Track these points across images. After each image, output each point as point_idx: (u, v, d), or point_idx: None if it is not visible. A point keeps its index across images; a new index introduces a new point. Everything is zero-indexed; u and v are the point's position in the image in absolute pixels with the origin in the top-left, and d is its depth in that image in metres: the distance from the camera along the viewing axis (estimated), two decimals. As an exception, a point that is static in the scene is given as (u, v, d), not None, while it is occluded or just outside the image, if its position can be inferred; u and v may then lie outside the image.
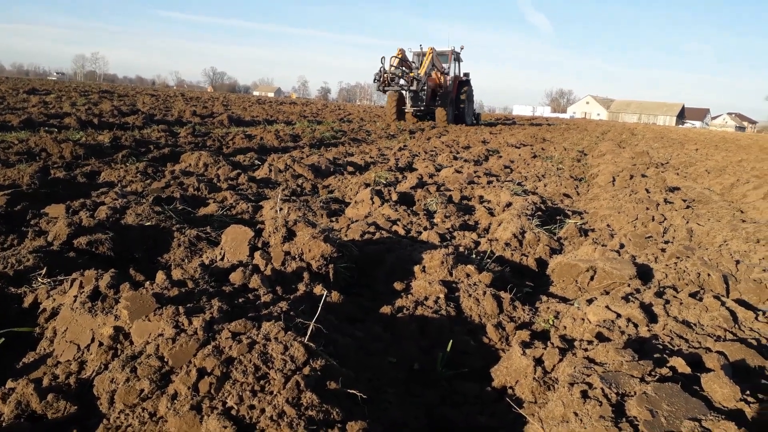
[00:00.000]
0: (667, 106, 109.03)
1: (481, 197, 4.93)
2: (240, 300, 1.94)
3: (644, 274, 2.86)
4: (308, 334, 1.62)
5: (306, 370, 1.45)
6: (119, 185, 4.56)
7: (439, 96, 21.52)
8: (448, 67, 22.89)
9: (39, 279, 2.26)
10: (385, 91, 19.93)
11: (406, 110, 20.87)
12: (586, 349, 1.88)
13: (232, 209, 3.97)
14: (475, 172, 6.31)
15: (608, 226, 4.21)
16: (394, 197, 4.28)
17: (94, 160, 5.83)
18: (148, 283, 1.96)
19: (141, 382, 1.39)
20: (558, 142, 14.40)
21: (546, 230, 3.78)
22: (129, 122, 10.82)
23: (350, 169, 6.50)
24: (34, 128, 8.44)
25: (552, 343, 2.04)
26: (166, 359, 1.46)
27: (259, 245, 2.41)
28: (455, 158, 8.08)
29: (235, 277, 2.11)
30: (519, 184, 5.92)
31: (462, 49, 23.86)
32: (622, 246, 3.50)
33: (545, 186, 6.05)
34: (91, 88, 30.82)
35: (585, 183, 6.76)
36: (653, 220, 4.20)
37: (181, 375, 1.40)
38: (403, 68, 19.44)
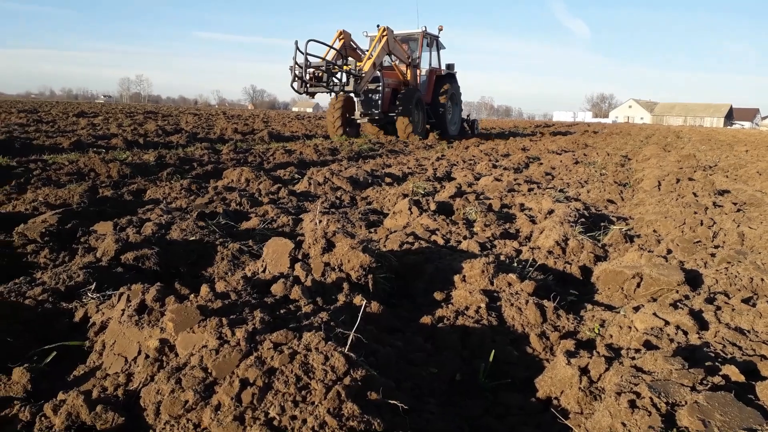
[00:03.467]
0: (713, 108, 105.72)
1: (521, 205, 4.87)
2: (281, 311, 1.96)
3: (693, 279, 2.76)
4: (348, 344, 1.62)
5: (347, 381, 1.45)
6: (164, 202, 4.69)
7: (400, 97, 14.77)
8: (418, 57, 16.15)
9: (89, 294, 2.33)
10: (309, 94, 13.18)
11: (357, 119, 15.05)
12: (633, 358, 1.82)
13: (273, 223, 4.03)
14: (515, 179, 6.24)
15: (654, 231, 4.09)
16: (433, 207, 4.26)
17: (140, 179, 6.01)
18: (192, 295, 2.00)
19: (186, 393, 1.42)
20: (600, 147, 14.11)
21: (590, 237, 3.70)
22: (173, 141, 11.14)
23: (388, 180, 6.52)
24: (83, 149, 8.78)
25: (598, 352, 1.98)
26: (209, 370, 1.49)
27: (300, 257, 2.44)
28: (494, 166, 8.00)
29: (277, 289, 2.13)
30: (561, 190, 5.82)
31: (441, 30, 17.23)
32: (669, 252, 3.39)
33: (588, 192, 5.93)
34: (137, 109, 31.91)
35: (630, 188, 6.59)
36: (702, 224, 4.06)
37: (225, 386, 1.42)
38: (331, 61, 12.86)
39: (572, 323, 2.35)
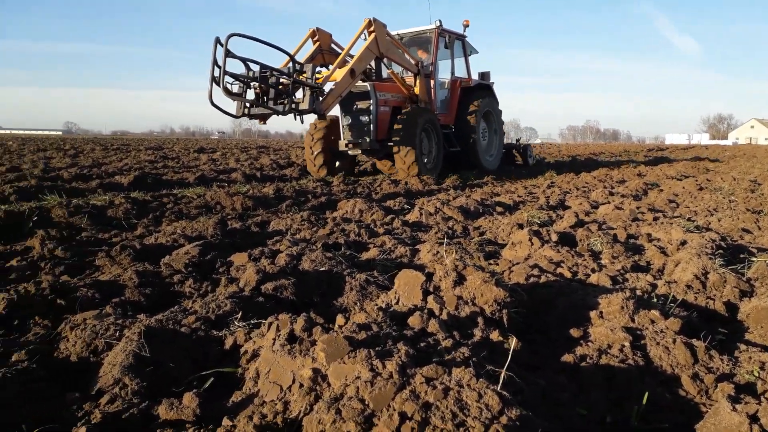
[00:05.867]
0: None
1: (649, 235, 4.62)
2: (421, 344, 1.98)
3: None
4: (500, 382, 1.60)
5: (503, 420, 1.43)
6: (288, 233, 4.91)
7: (400, 119, 10.35)
8: (431, 63, 11.59)
9: (236, 322, 2.48)
10: (254, 118, 8.79)
11: (345, 149, 10.58)
12: (813, 408, 1.66)
13: (391, 253, 4.10)
14: (637, 208, 5.95)
15: (806, 264, 3.72)
16: (554, 238, 4.15)
17: (262, 211, 6.35)
18: (336, 326, 2.08)
19: (346, 424, 1.47)
20: (724, 171, 13.15)
21: (731, 270, 3.44)
22: (287, 174, 11.69)
23: (499, 209, 6.45)
24: (207, 183, 9.43)
25: (766, 398, 1.82)
26: (366, 402, 1.53)
27: (431, 289, 2.46)
28: (611, 194, 7.69)
29: (414, 321, 2.16)
30: (689, 219, 5.48)
31: (467, 27, 12.80)
32: (829, 287, 3.07)
33: (719, 221, 5.53)
34: (249, 144, 33.86)
35: (766, 216, 6.07)
36: None
37: (384, 419, 1.45)
38: (274, 69, 8.13)
39: (727, 365, 2.18)
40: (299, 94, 8.55)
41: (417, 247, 4.22)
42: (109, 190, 7.85)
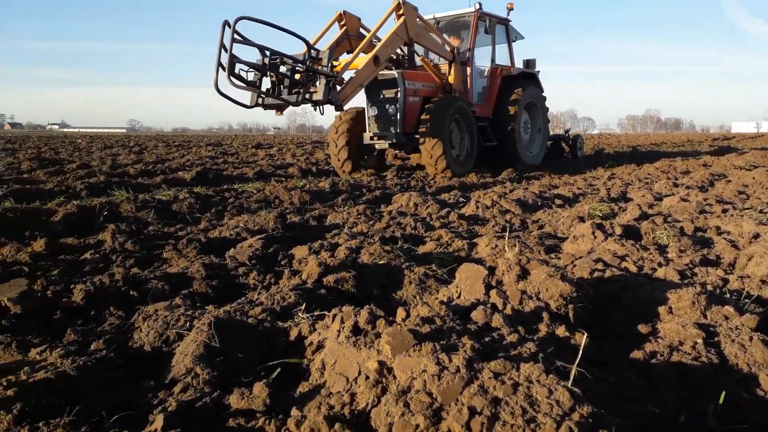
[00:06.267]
0: None
1: (717, 228, 4.43)
2: (486, 339, 1.97)
3: None
4: (571, 378, 1.57)
5: (575, 417, 1.41)
6: (345, 227, 4.97)
7: (428, 108, 9.63)
8: (468, 49, 10.75)
9: (299, 314, 2.52)
10: (264, 107, 8.09)
11: (370, 143, 10.06)
12: None
13: (448, 247, 4.08)
14: (704, 199, 5.70)
15: None
16: (618, 231, 4.03)
17: (319, 205, 6.44)
18: (399, 319, 2.09)
19: (415, 417, 1.47)
20: (798, 160, 12.43)
21: (812, 265, 3.25)
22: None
23: (558, 201, 6.31)
24: (265, 178, 9.63)
25: None
26: (435, 396, 1.53)
27: (494, 284, 2.43)
28: (675, 185, 7.40)
29: (477, 316, 2.15)
30: (761, 211, 5.21)
31: (511, 10, 11.81)
32: None
33: (796, 213, 5.23)
34: (304, 139, 34.35)
35: None
36: None
37: (453, 413, 1.45)
38: (291, 56, 7.70)
39: (810, 365, 2.07)
40: (317, 83, 8.02)
41: (474, 240, 4.19)
42: (173, 186, 8.13)
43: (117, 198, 6.27)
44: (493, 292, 2.34)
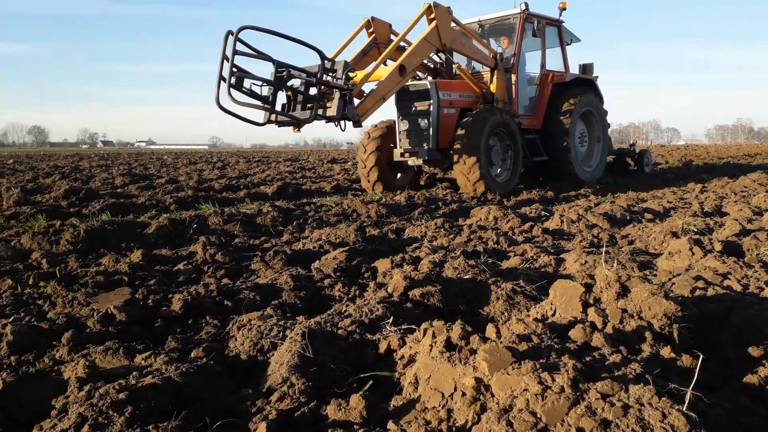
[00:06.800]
0: None
1: (832, 245, 4.07)
2: (587, 358, 1.88)
3: None
4: (686, 402, 1.48)
5: (696, 444, 1.31)
6: (425, 240, 4.95)
7: (463, 123, 8.62)
8: (513, 55, 9.70)
9: (387, 327, 2.52)
10: (278, 124, 7.44)
11: (402, 159, 9.09)
12: None
13: (533, 262, 3.97)
14: (812, 214, 5.28)
15: None
16: (718, 247, 3.79)
17: (395, 218, 6.46)
18: (494, 336, 2.04)
19: (520, 437, 1.42)
20: None
21: None
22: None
23: (648, 216, 6.03)
24: (342, 192, 9.77)
25: None
26: (539, 415, 1.48)
27: (591, 301, 2.34)
28: (776, 199, 6.89)
29: (576, 335, 2.06)
30: None
31: (563, 10, 10.52)
32: None
33: None
34: (377, 153, 34.70)
35: None
36: None
37: (561, 434, 1.39)
38: (305, 70, 6.97)
39: None
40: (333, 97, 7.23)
41: (561, 256, 4.06)
42: (255, 200, 8.41)
43: (204, 211, 6.55)
44: (591, 310, 2.24)
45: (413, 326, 2.44)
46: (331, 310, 2.82)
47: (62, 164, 22.36)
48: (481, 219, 6.16)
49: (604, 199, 7.40)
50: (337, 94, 7.08)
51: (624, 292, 2.31)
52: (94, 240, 4.91)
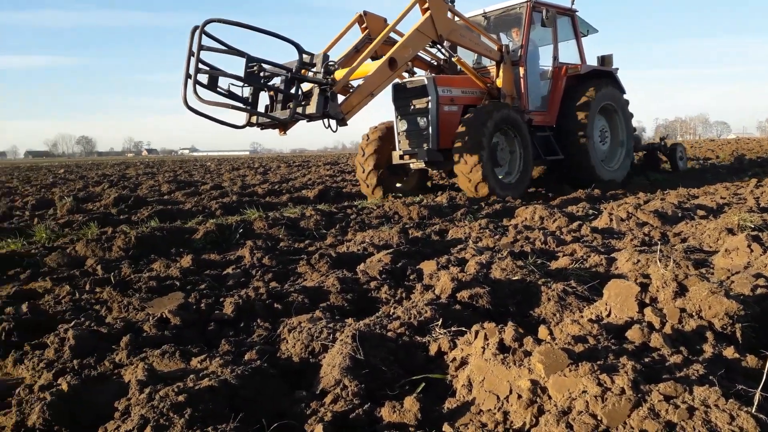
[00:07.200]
0: None
1: None
2: (646, 360, 1.83)
3: None
4: (755, 403, 1.42)
5: (770, 449, 1.26)
6: (469, 241, 4.91)
7: (464, 121, 8.07)
8: (521, 46, 9.01)
9: (437, 329, 2.51)
10: (260, 126, 6.98)
11: (403, 162, 8.61)
12: None
13: (584, 262, 3.89)
14: None
15: None
16: (778, 243, 3.63)
17: (438, 219, 6.43)
18: (548, 337, 2.00)
19: (581, 440, 1.39)
20: None
21: None
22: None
23: (701, 212, 5.83)
24: (383, 194, 9.76)
25: None
26: (599, 418, 1.44)
27: (647, 301, 2.27)
28: (839, 192, 6.58)
29: (633, 335, 2.01)
30: None
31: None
32: None
33: None
34: (416, 155, 34.67)
35: None
36: None
37: (625, 438, 1.35)
38: (265, 62, 6.43)
39: None
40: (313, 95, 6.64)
41: (612, 255, 3.96)
42: (298, 203, 8.51)
43: (249, 216, 6.66)
44: (647, 310, 2.18)
45: (463, 328, 2.42)
46: (379, 312, 2.82)
47: (110, 173, 23.14)
48: (526, 219, 6.07)
49: (654, 196, 7.19)
50: (316, 90, 6.59)
51: (682, 291, 2.24)
52: (144, 246, 5.06)
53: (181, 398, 1.81)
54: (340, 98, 7.17)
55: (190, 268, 4.20)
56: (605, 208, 5.97)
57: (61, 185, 15.49)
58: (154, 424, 1.72)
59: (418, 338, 2.46)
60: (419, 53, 8.60)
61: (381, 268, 3.65)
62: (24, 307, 3.16)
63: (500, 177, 8.29)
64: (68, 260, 4.66)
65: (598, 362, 1.71)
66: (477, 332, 2.14)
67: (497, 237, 4.94)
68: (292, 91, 6.50)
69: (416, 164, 8.50)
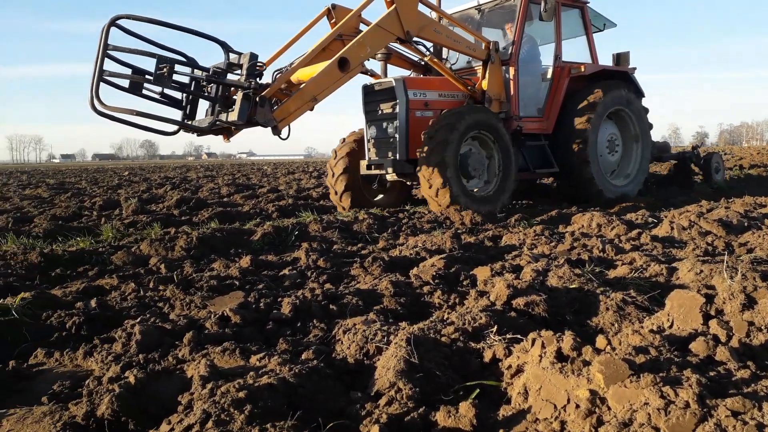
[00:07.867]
0: None
1: None
2: (711, 373, 1.77)
3: None
4: (832, 425, 1.35)
5: None
6: (524, 248, 4.85)
7: (434, 123, 7.01)
8: (511, 43, 7.89)
9: (491, 336, 2.49)
10: (197, 132, 6.04)
11: (371, 172, 7.88)
12: None
13: (643, 271, 3.78)
14: None
15: None
16: None
17: (491, 225, 6.36)
18: (605, 347, 1.97)
19: (643, 453, 1.37)
20: None
21: None
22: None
23: (769, 222, 5.56)
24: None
25: None
26: (662, 431, 1.41)
27: (712, 313, 2.20)
28: None
29: (697, 348, 1.95)
30: None
31: None
32: None
33: None
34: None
35: None
36: None
37: (689, 453, 1.32)
38: (178, 61, 5.49)
39: None
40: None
41: (673, 265, 3.84)
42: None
43: (304, 219, 6.79)
44: (713, 323, 2.11)
45: (519, 336, 2.40)
46: (433, 316, 2.83)
47: (172, 175, 24.00)
48: (583, 226, 5.95)
49: (718, 205, 6.90)
50: (240, 95, 5.76)
51: (750, 303, 2.16)
52: (205, 246, 5.23)
53: (241, 394, 1.87)
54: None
55: (248, 269, 4.32)
56: (666, 216, 5.78)
57: (126, 187, 16.19)
58: (215, 419, 1.78)
59: (473, 344, 2.46)
60: (403, 51, 7.75)
61: (434, 273, 3.65)
62: (93, 303, 3.32)
63: (474, 190, 7.45)
64: (133, 259, 4.87)
65: (661, 374, 1.67)
66: (534, 340, 2.12)
67: (553, 244, 4.86)
68: (212, 95, 5.93)
69: (391, 175, 7.55)
